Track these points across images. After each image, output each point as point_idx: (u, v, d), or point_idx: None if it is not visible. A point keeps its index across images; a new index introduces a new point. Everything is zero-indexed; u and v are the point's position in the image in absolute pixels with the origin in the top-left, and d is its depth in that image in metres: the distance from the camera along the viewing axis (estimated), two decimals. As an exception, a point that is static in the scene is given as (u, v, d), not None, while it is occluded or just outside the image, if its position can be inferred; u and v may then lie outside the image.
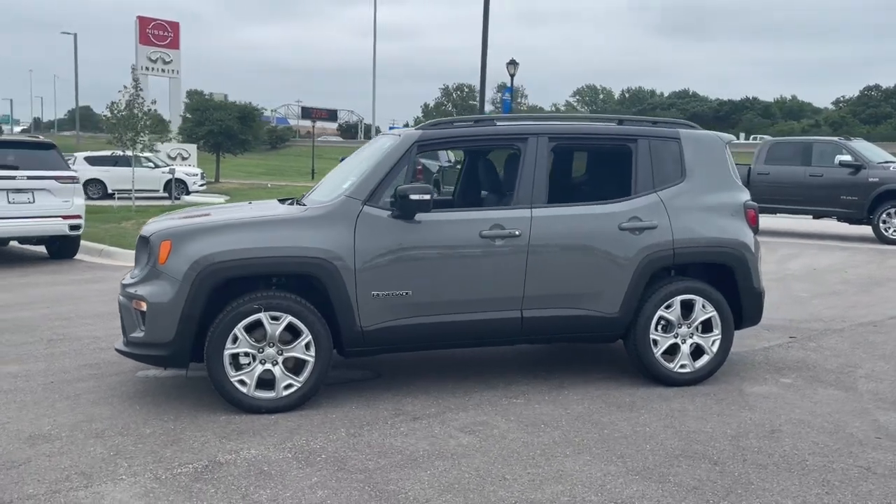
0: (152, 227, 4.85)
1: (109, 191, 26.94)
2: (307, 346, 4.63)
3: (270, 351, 4.60)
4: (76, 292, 8.77)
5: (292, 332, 4.62)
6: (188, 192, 27.56)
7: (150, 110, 20.11)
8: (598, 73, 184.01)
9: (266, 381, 4.62)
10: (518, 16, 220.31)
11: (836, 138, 16.52)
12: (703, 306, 5.20)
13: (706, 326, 5.26)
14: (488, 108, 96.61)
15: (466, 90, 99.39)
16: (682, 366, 5.22)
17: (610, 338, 5.28)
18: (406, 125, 67.02)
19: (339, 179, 5.24)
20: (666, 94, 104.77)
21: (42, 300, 8.21)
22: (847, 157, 14.88)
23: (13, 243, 11.93)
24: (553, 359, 5.97)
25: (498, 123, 5.23)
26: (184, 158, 33.33)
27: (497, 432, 4.37)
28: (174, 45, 49.31)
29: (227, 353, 4.52)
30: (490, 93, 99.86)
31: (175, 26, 49.41)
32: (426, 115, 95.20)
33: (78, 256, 11.55)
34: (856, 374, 5.64)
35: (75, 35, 66.69)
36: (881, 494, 3.63)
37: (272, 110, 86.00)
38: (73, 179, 11.02)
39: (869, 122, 77.35)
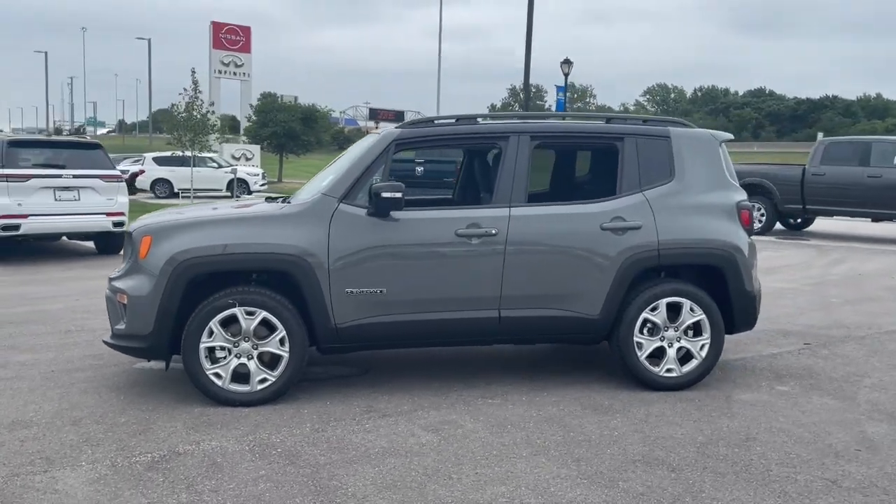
0: (137, 222, 5.02)
1: (175, 190, 27.88)
2: (281, 342, 4.70)
3: (245, 345, 4.69)
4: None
5: (268, 328, 4.71)
6: (249, 192, 28.30)
7: (207, 112, 20.70)
8: (671, 71, 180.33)
9: (241, 375, 4.71)
10: (587, 14, 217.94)
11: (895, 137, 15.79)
12: (691, 309, 5.05)
13: (696, 330, 5.12)
14: (554, 108, 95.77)
15: (534, 90, 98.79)
16: (669, 370, 5.08)
17: (592, 340, 5.18)
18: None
19: (323, 177, 5.31)
20: (741, 93, 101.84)
21: (74, 293, 8.57)
22: (907, 157, 14.22)
23: (65, 239, 12.46)
24: (545, 360, 5.90)
25: (480, 122, 5.20)
26: (248, 159, 34.23)
27: (460, 432, 4.35)
28: (245, 48, 50.69)
29: (202, 346, 4.64)
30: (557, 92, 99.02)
31: (246, 31, 50.79)
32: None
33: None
34: (861, 383, 5.38)
35: (149, 40, 69.34)
36: (838, 508, 3.47)
37: (341, 112, 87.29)
38: (118, 178, 11.47)
39: (959, 121, 73.47)
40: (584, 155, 5.88)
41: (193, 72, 22.21)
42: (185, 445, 4.09)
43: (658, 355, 5.10)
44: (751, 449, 4.13)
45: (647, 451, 4.09)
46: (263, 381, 4.71)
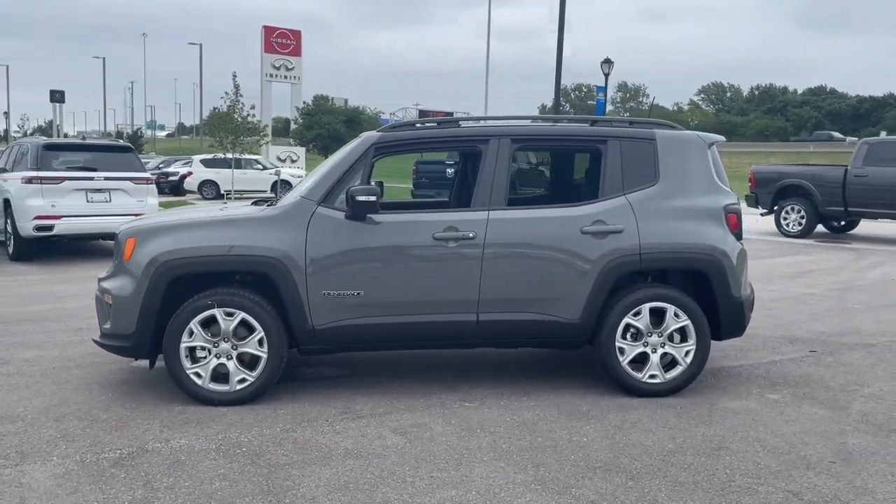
0: (125, 225, 5.15)
1: (222, 191, 28.46)
2: (260, 343, 4.78)
3: (225, 346, 4.78)
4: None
5: (247, 329, 4.79)
6: (293, 193, 28.63)
7: (248, 115, 21.10)
8: (727, 69, 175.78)
9: (221, 375, 4.80)
10: (642, 12, 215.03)
11: (942, 137, 15.18)
12: (676, 315, 4.96)
13: (682, 336, 5.02)
14: (607, 108, 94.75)
15: (585, 90, 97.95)
16: (652, 376, 5.00)
17: (573, 344, 5.13)
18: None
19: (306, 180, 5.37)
20: (800, 91, 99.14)
21: (94, 292, 8.81)
22: (954, 158, 13.67)
23: (101, 241, 12.84)
24: (535, 364, 5.85)
25: (462, 125, 5.20)
26: (293, 161, 34.77)
27: (428, 435, 4.36)
28: (296, 52, 51.44)
29: (183, 346, 4.74)
30: (610, 92, 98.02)
31: (297, 34, 51.54)
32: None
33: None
34: (858, 392, 5.21)
35: (200, 45, 71.18)
36: (793, 522, 3.37)
37: (391, 113, 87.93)
38: (148, 181, 11.78)
39: None
40: (566, 158, 5.82)
41: (234, 76, 22.70)
42: (155, 443, 4.19)
43: (642, 361, 5.02)
44: (719, 458, 4.04)
45: (612, 458, 4.04)
46: (242, 381, 4.79)
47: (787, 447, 4.20)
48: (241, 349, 4.78)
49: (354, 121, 38.32)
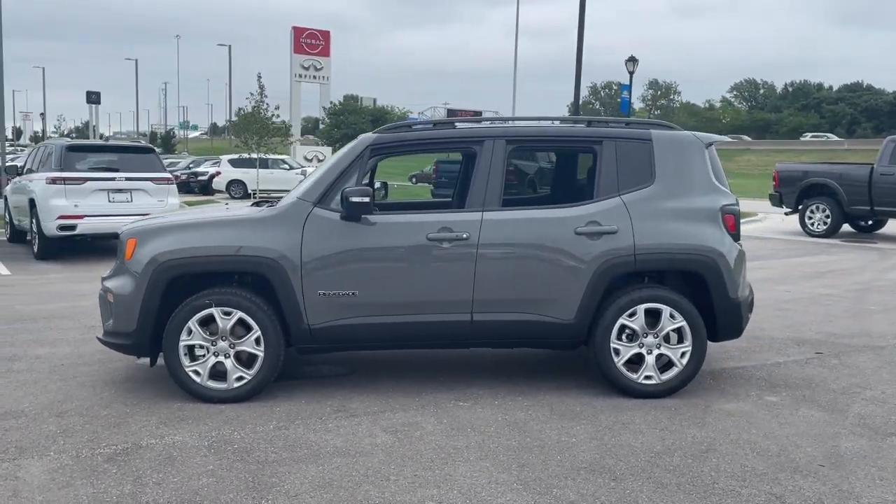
0: (127, 226, 5.27)
1: (249, 191, 28.80)
2: (257, 342, 4.85)
3: (223, 344, 4.87)
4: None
5: (244, 328, 4.87)
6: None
7: (272, 115, 21.32)
8: (761, 66, 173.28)
9: (219, 373, 4.89)
10: (675, 10, 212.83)
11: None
12: (671, 316, 4.94)
13: (678, 337, 5.00)
14: (638, 105, 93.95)
15: (615, 88, 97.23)
16: (648, 377, 4.98)
17: (567, 345, 5.14)
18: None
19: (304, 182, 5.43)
20: (835, 88, 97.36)
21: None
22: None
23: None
24: (535, 364, 5.86)
25: (458, 126, 5.22)
26: (319, 161, 35.01)
27: (418, 434, 4.40)
28: (325, 52, 51.80)
29: (182, 344, 4.84)
30: (641, 90, 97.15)
31: (326, 35, 51.89)
32: (572, 114, 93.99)
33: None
34: (860, 395, 5.14)
35: (230, 46, 71.81)
36: (772, 525, 3.35)
37: (419, 113, 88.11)
38: (168, 181, 11.98)
39: None
40: (561, 159, 5.81)
41: (259, 76, 22.94)
42: (150, 439, 4.29)
43: (637, 362, 5.01)
44: (706, 461, 4.02)
45: (597, 459, 4.04)
46: (240, 378, 4.87)
47: (777, 450, 4.17)
48: (238, 348, 4.87)
49: (381, 120, 38.49)
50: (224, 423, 4.53)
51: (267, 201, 5.54)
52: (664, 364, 5.02)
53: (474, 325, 4.94)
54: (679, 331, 4.97)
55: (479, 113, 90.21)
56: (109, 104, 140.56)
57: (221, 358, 4.87)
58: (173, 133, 75.94)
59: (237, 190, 29.19)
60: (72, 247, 12.08)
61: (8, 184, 14.15)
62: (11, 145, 64.17)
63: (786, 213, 16.36)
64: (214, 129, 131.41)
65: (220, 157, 32.90)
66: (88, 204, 11.25)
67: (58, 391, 5.14)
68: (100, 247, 12.77)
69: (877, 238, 15.43)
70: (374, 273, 4.88)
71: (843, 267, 11.28)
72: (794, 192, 15.89)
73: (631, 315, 4.94)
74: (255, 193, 27.21)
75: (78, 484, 3.71)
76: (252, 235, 4.86)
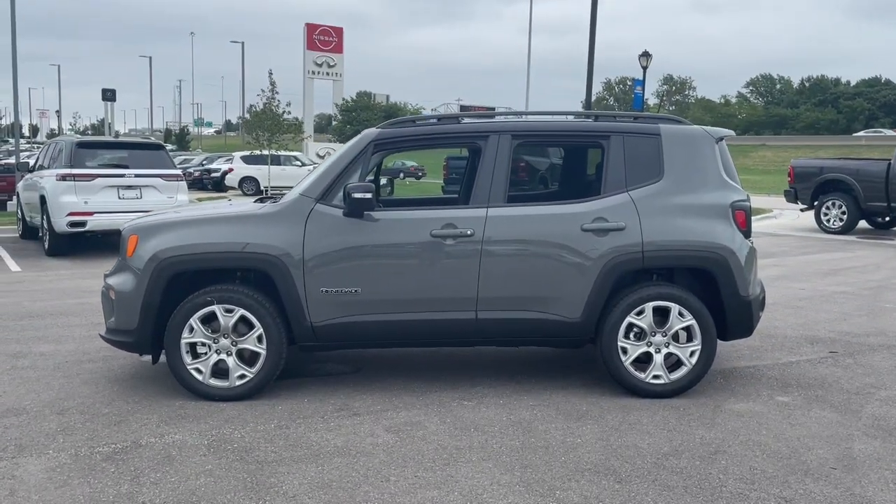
0: (129, 222, 5.23)
1: (262, 187, 28.86)
2: (259, 339, 4.80)
3: (225, 342, 4.82)
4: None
5: (246, 325, 4.82)
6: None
7: (283, 112, 21.31)
8: (778, 61, 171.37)
9: (221, 371, 4.84)
10: (692, 4, 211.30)
11: None
12: (680, 314, 4.84)
13: (687, 336, 4.90)
14: (653, 101, 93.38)
15: (629, 83, 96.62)
16: (656, 376, 4.89)
17: (573, 343, 5.05)
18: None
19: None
20: (853, 83, 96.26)
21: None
22: None
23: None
24: (542, 363, 5.77)
25: (463, 121, 5.14)
26: (331, 157, 35.05)
27: (421, 433, 4.33)
28: (338, 49, 51.73)
29: (183, 342, 4.79)
30: (655, 85, 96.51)
31: (339, 32, 51.82)
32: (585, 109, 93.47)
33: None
34: (874, 396, 5.03)
35: (242, 44, 72.23)
36: (781, 530, 3.26)
37: (432, 109, 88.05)
38: (178, 177, 11.97)
39: None
40: (568, 154, 5.71)
41: (270, 73, 22.93)
42: (149, 438, 4.24)
43: (645, 361, 4.91)
44: (714, 463, 3.93)
45: (603, 460, 3.96)
46: (242, 377, 4.82)
47: (787, 452, 4.07)
48: (240, 345, 4.81)
49: (393, 116, 38.41)
50: (225, 422, 4.48)
51: (271, 198, 5.48)
52: (673, 363, 4.92)
53: (479, 323, 4.87)
54: (688, 329, 4.87)
55: (491, 109, 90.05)
56: (125, 101, 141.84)
57: (223, 356, 4.82)
58: (188, 130, 76.24)
59: (250, 186, 29.25)
60: (82, 243, 12.10)
61: (20, 181, 14.21)
62: (28, 142, 64.71)
63: (801, 210, 16.16)
64: (228, 126, 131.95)
65: (233, 153, 32.96)
66: (98, 200, 11.26)
67: (60, 388, 5.11)
68: (110, 243, 12.76)
69: (893, 235, 15.20)
70: (377, 270, 4.81)
71: (859, 264, 11.11)
72: (809, 189, 15.70)
73: (639, 313, 4.85)
74: (267, 190, 27.27)
75: (75, 483, 3.67)
76: (254, 232, 4.80)
